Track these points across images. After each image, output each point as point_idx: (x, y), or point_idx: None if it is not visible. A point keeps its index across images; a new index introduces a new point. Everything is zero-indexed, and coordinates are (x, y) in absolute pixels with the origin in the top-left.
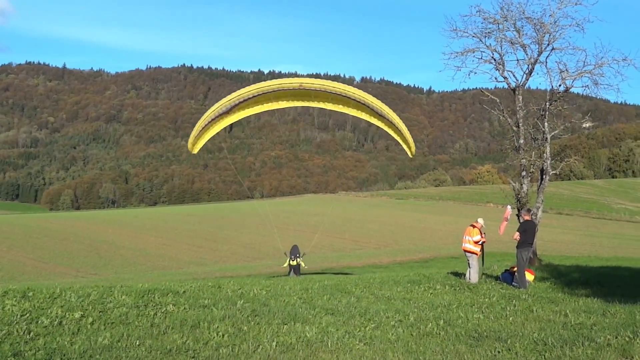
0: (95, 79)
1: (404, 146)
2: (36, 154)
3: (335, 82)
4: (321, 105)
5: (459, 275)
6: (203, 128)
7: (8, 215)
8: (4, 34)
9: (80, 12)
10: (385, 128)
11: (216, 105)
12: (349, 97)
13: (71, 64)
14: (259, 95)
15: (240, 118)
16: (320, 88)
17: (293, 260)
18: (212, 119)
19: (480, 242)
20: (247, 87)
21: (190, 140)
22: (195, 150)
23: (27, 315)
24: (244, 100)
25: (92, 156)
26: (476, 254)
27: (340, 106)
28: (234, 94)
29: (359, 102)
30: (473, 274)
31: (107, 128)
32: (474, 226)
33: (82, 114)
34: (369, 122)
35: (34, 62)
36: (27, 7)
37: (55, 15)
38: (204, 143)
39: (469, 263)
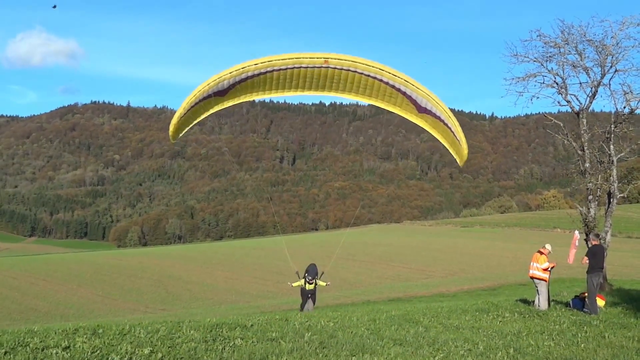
0: (159, 116)
1: (452, 151)
2: (103, 192)
3: (370, 60)
4: (350, 96)
5: (528, 302)
6: (191, 108)
7: (77, 253)
8: (74, 77)
9: (143, 52)
10: (429, 128)
11: (211, 79)
12: (385, 82)
13: (135, 102)
14: (267, 72)
15: (237, 103)
16: (350, 67)
17: (310, 283)
18: (203, 98)
19: (549, 269)
20: (254, 60)
21: (173, 122)
22: (176, 138)
23: (98, 352)
24: (248, 78)
25: (158, 192)
26: (545, 281)
27: (372, 97)
28: (236, 67)
29: (399, 90)
30: (542, 301)
31: (172, 164)
32: (541, 252)
33: (147, 151)
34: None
35: (99, 102)
36: (95, 49)
37: (120, 55)
38: (187, 129)
39: (537, 290)
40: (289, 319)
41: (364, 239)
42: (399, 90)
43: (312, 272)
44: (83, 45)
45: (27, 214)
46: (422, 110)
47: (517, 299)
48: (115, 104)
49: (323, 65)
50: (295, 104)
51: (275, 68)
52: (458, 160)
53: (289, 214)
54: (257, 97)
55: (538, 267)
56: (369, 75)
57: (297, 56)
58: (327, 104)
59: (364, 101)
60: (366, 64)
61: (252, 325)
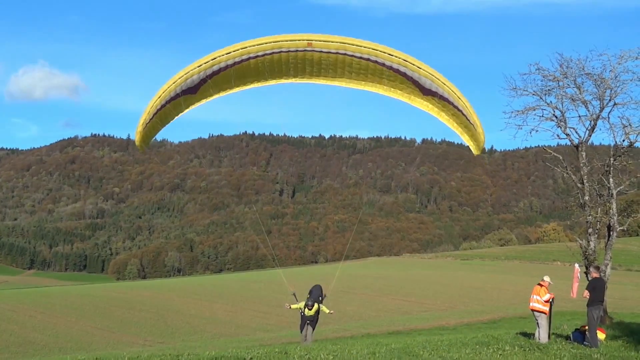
0: (159, 149)
1: (466, 137)
2: (102, 225)
3: (360, 40)
4: (342, 82)
5: (528, 335)
6: (157, 112)
7: (76, 285)
8: (76, 111)
9: (144, 85)
10: (436, 113)
11: (177, 75)
12: (381, 64)
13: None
14: (243, 61)
15: (211, 99)
16: (339, 49)
17: (310, 309)
18: (171, 99)
19: (549, 300)
20: (227, 48)
21: (139, 130)
22: (144, 148)
23: None
24: (221, 70)
25: (157, 225)
26: (545, 313)
27: (369, 82)
28: (206, 58)
29: (397, 71)
30: (542, 334)
31: (172, 197)
32: (541, 285)
33: (147, 184)
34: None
35: (99, 135)
36: (97, 83)
37: (122, 89)
38: (156, 134)
39: (537, 323)
40: (289, 352)
41: (363, 271)
42: (397, 71)
43: (314, 295)
44: (85, 80)
45: (26, 247)
46: (426, 92)
47: (518, 332)
48: (115, 136)
49: (307, 49)
50: (295, 137)
51: (251, 55)
52: (473, 148)
53: (288, 247)
54: (233, 90)
55: (538, 300)
56: (361, 58)
57: (275, 39)
58: (326, 137)
59: (359, 88)
60: (357, 45)
61: (251, 358)
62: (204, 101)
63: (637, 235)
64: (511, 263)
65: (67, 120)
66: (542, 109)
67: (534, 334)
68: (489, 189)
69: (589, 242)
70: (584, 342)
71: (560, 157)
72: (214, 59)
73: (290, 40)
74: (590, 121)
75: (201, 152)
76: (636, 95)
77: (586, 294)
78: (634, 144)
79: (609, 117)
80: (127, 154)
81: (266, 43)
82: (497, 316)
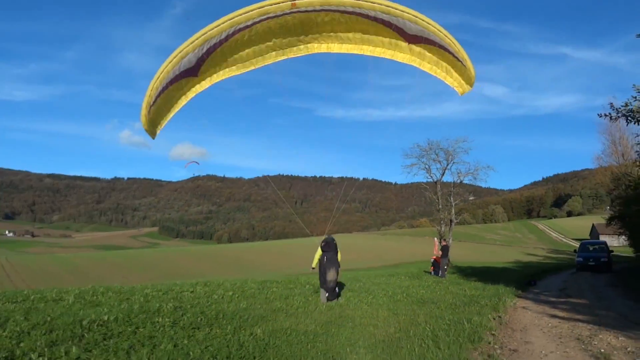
0: (238, 181)
1: (449, 80)
2: (211, 217)
3: None
4: (332, 47)
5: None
6: (160, 94)
7: (197, 246)
8: (202, 164)
9: (235, 153)
10: (417, 63)
11: (173, 55)
12: (365, 15)
13: (229, 175)
14: (235, 33)
15: (215, 82)
16: (323, 4)
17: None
18: (171, 81)
19: (436, 255)
20: (216, 22)
21: (143, 113)
22: (155, 132)
23: (205, 293)
24: (216, 47)
25: (237, 217)
26: (436, 260)
27: (352, 43)
28: (198, 34)
29: (382, 21)
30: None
31: (244, 204)
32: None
33: (232, 198)
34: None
35: (211, 174)
36: (215, 152)
37: (225, 154)
38: (167, 120)
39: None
40: (298, 279)
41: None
42: (382, 21)
43: (330, 246)
44: (208, 149)
45: (174, 227)
46: (411, 39)
47: (407, 271)
48: (217, 175)
49: (293, 10)
50: (302, 176)
51: (240, 26)
52: (460, 88)
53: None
54: (233, 72)
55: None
56: (344, 12)
57: (261, 5)
58: (317, 176)
59: (342, 52)
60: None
61: (281, 281)
62: (206, 84)
63: (463, 224)
64: (404, 237)
65: (196, 168)
66: (419, 164)
67: (430, 272)
68: (394, 202)
69: (441, 227)
70: (439, 275)
71: (428, 187)
72: (205, 34)
73: (275, 4)
74: (442, 171)
75: (259, 182)
76: (464, 158)
77: (440, 252)
78: (462, 181)
79: (451, 168)
80: (223, 184)
81: (252, 10)
82: (397, 262)
